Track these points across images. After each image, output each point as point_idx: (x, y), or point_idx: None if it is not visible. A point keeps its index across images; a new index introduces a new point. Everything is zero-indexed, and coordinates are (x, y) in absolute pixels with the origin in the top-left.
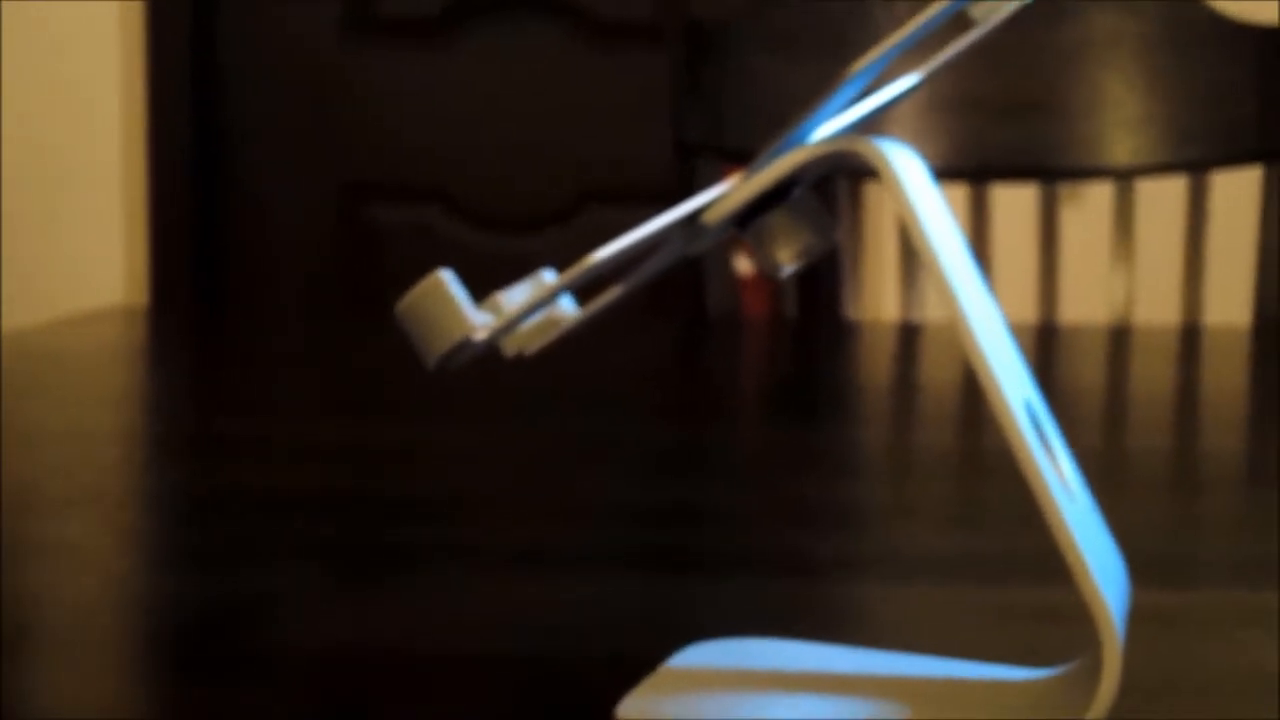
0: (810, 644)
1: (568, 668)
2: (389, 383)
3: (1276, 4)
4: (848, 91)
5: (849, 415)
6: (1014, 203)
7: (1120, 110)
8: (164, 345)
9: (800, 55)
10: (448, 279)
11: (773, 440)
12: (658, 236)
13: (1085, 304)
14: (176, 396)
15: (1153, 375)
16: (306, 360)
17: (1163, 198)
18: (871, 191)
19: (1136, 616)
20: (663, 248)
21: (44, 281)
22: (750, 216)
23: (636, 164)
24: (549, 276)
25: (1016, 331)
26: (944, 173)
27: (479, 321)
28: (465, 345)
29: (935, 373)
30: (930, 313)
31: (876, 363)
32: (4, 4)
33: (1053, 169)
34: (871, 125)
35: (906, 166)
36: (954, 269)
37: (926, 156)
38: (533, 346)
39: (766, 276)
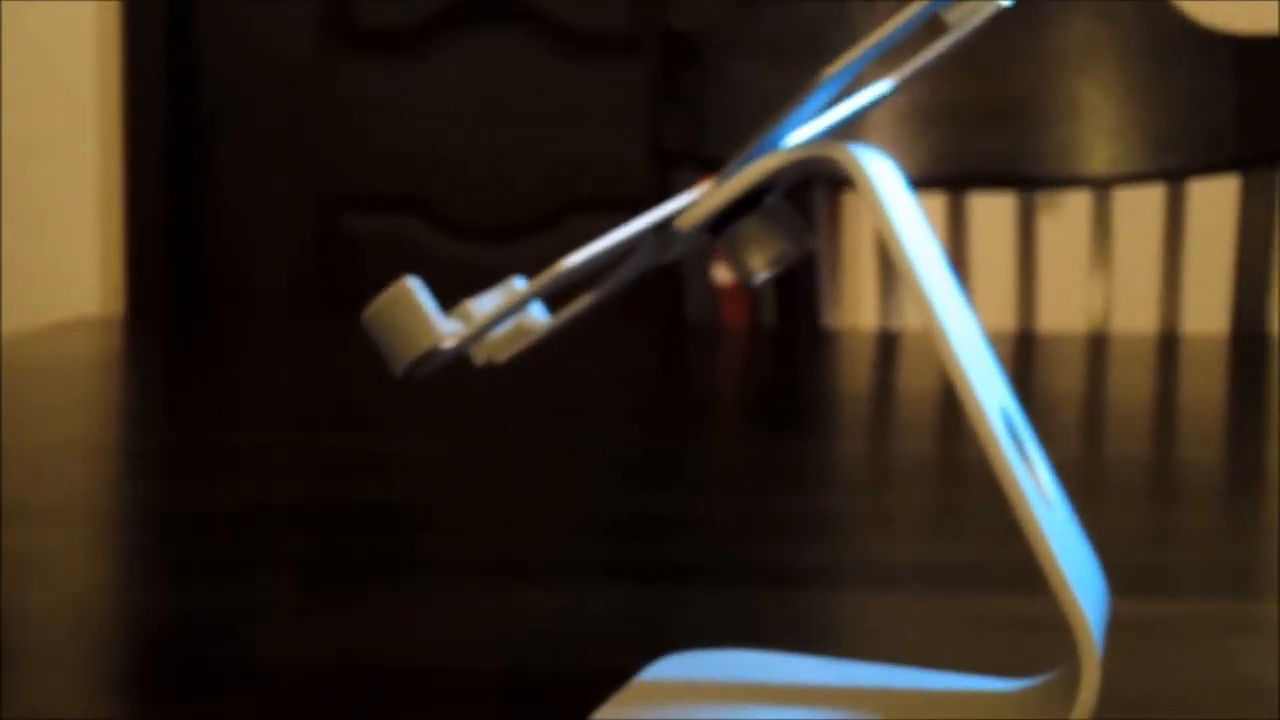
0: (785, 655)
1: (538, 682)
2: (365, 393)
3: (1253, 12)
4: (821, 96)
5: (827, 424)
6: (991, 211)
7: (1098, 118)
8: (139, 355)
9: (779, 61)
10: (414, 286)
11: (750, 449)
12: (629, 243)
13: (1063, 312)
14: (151, 407)
15: (1131, 384)
16: (282, 371)
17: (1141, 206)
18: (849, 198)
19: (1115, 626)
20: (635, 255)
21: (19, 291)
22: (723, 223)
23: (615, 173)
24: (519, 284)
25: (994, 340)
26: (921, 181)
27: (447, 330)
28: (433, 354)
29: (914, 381)
30: (909, 320)
31: (855, 371)
32: None
33: (1030, 177)
34: (848, 132)
35: (881, 172)
36: (929, 276)
37: (904, 165)
38: (502, 355)
39: (740, 284)
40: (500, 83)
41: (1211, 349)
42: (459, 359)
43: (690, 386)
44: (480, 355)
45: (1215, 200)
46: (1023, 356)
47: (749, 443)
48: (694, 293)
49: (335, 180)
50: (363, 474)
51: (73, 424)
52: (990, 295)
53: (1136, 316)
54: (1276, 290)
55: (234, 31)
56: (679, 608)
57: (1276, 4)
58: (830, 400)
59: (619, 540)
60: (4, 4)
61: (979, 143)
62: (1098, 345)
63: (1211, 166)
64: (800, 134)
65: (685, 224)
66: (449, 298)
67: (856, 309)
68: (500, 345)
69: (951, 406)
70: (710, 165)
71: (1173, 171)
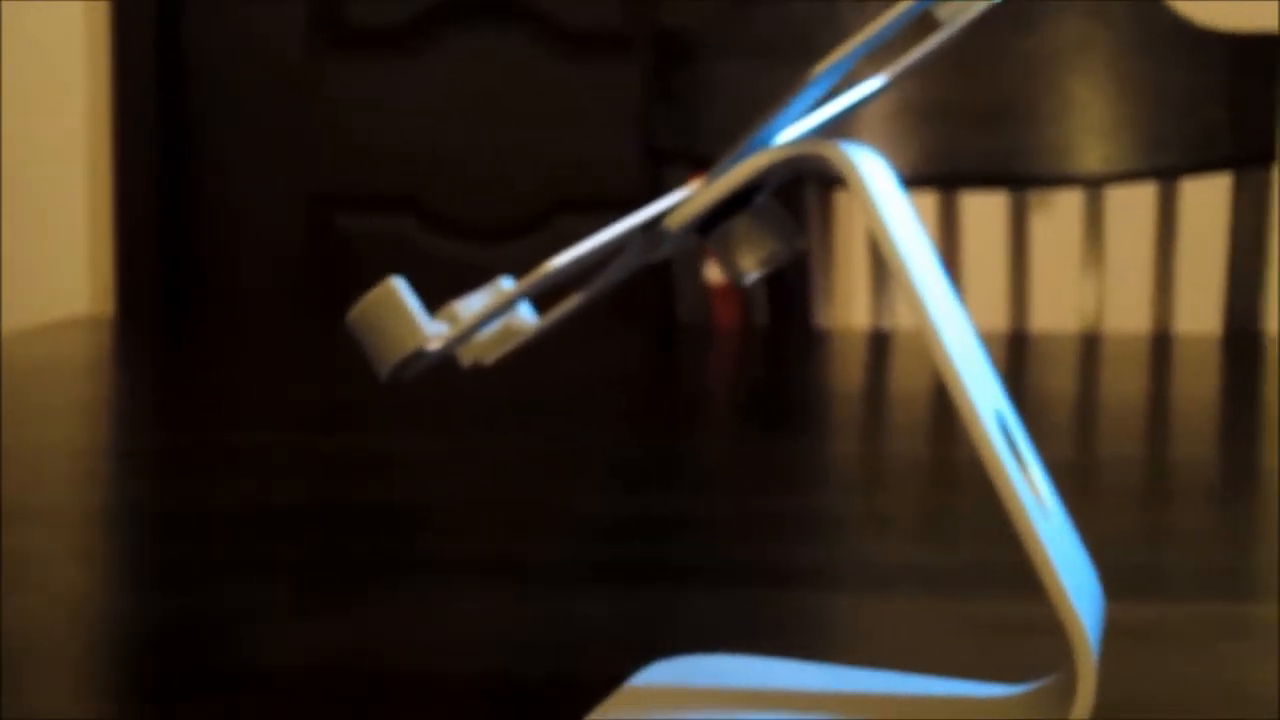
0: (776, 660)
1: (529, 686)
2: (358, 393)
3: (1246, 11)
4: (812, 93)
5: (819, 424)
6: (984, 210)
7: (1090, 117)
8: (130, 356)
9: (771, 61)
10: (399, 287)
11: (742, 450)
12: (617, 243)
13: (1056, 311)
14: (142, 408)
15: (1123, 383)
16: (274, 371)
17: (1133, 205)
18: (841, 197)
19: (1109, 629)
20: (624, 255)
21: (8, 291)
22: (713, 222)
23: (608, 172)
24: (507, 284)
25: (987, 339)
26: (914, 180)
27: (432, 331)
28: (418, 356)
29: (907, 381)
30: (901, 320)
31: (848, 371)
32: None
33: (1023, 176)
34: (840, 131)
35: (873, 170)
36: (921, 276)
37: (896, 164)
38: (490, 357)
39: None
40: (492, 81)
41: (1204, 348)
42: (446, 361)
43: (682, 387)
44: (467, 357)
45: (1208, 199)
46: (1015, 356)
47: (741, 443)
48: (686, 293)
49: (327, 179)
50: (356, 475)
51: (64, 425)
52: (982, 294)
53: (1129, 315)
54: (1269, 289)
55: (224, 30)
56: (671, 610)
57: (1270, 3)
58: (823, 400)
59: (612, 542)
60: None
61: (971, 141)
62: (1090, 344)
63: (1204, 165)
64: (791, 132)
65: (674, 223)
66: (442, 298)
67: (849, 308)
68: (488, 347)
69: (945, 406)
70: (702, 165)
71: (1165, 170)
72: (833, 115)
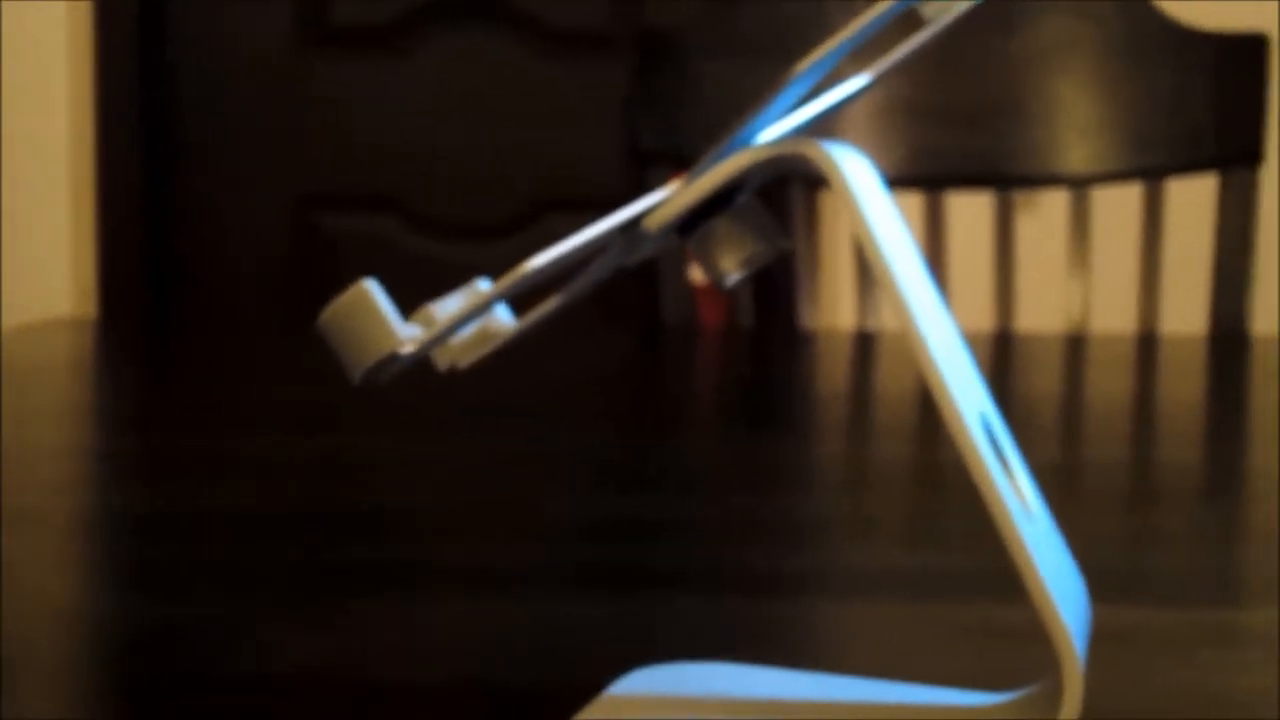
0: (759, 668)
1: (507, 694)
2: (340, 397)
3: (1232, 11)
4: (794, 92)
5: (805, 426)
6: (969, 210)
7: (1076, 117)
8: (113, 357)
9: (757, 61)
10: (372, 289)
11: (727, 453)
12: (597, 244)
13: (1041, 312)
14: (124, 410)
15: (1109, 384)
16: (257, 373)
17: (1119, 205)
18: (826, 197)
19: (1096, 635)
20: (604, 256)
21: None
22: (693, 223)
23: (594, 172)
24: (484, 285)
25: (972, 340)
26: (899, 180)
27: (406, 334)
28: (392, 360)
29: (892, 382)
30: (887, 321)
31: (833, 372)
32: None
33: (1008, 176)
34: (824, 131)
35: (856, 170)
36: (905, 277)
37: (881, 163)
38: (466, 360)
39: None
40: (477, 81)
41: (1190, 349)
42: (424, 364)
43: (667, 388)
44: (443, 360)
45: (1194, 199)
46: (1001, 357)
47: (726, 445)
48: (670, 293)
49: (312, 180)
50: (339, 479)
51: (46, 427)
52: (968, 295)
53: (1115, 316)
54: (1254, 290)
55: (208, 29)
56: (652, 616)
57: (1256, 3)
58: (808, 402)
59: (594, 546)
60: None
61: (957, 141)
62: (1076, 345)
63: (1190, 165)
64: (773, 131)
65: (653, 224)
66: (426, 299)
67: (834, 309)
68: (464, 350)
69: (931, 408)
70: (687, 165)
71: (1151, 170)
72: (816, 114)
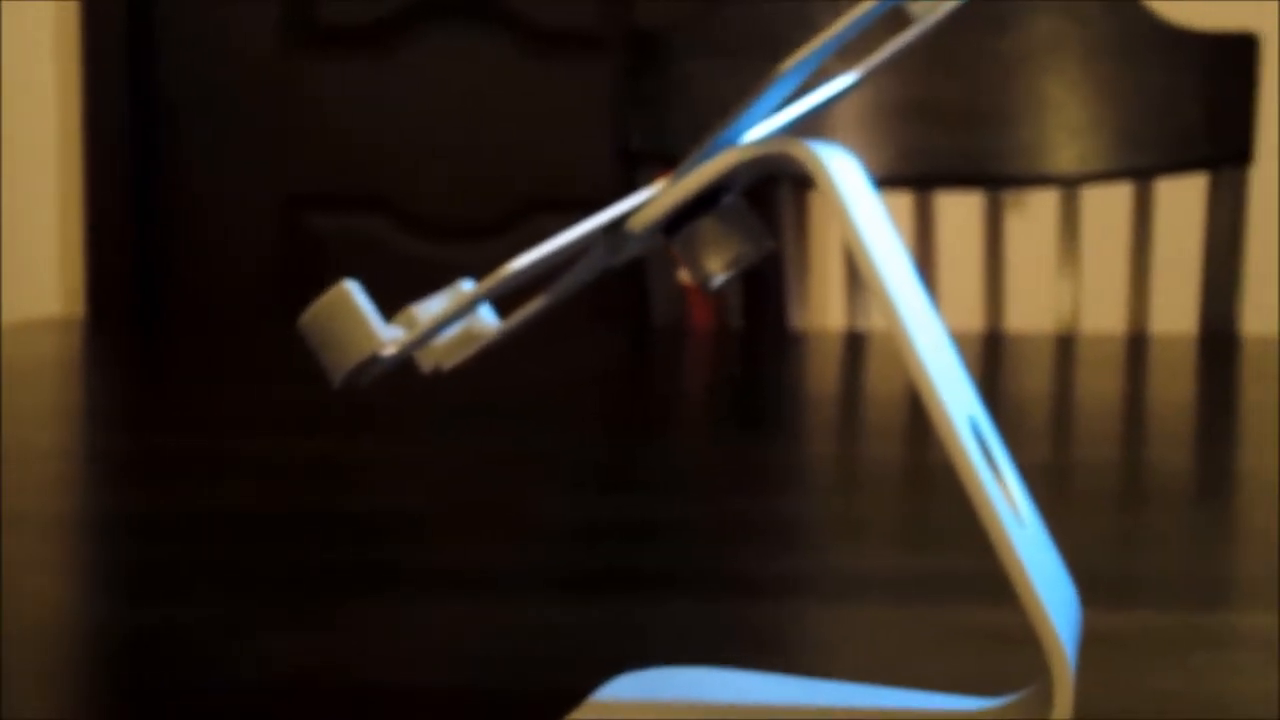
0: (748, 673)
1: (492, 701)
2: (327, 397)
3: (1222, 11)
4: (779, 90)
5: (794, 427)
6: (959, 210)
7: (1065, 117)
8: (101, 357)
9: (746, 61)
10: (353, 290)
11: (716, 454)
12: (581, 244)
13: (1031, 312)
14: (112, 411)
15: (1099, 385)
16: (247, 374)
17: (1108, 205)
18: (816, 197)
19: (1086, 639)
20: (588, 256)
21: None
22: (678, 223)
23: (583, 172)
24: (467, 286)
25: (961, 340)
26: (888, 180)
27: (387, 336)
28: (373, 362)
29: (882, 383)
30: (877, 321)
31: (823, 373)
32: None
33: (998, 176)
34: (813, 131)
35: (842, 170)
36: (892, 277)
37: (870, 163)
38: (450, 362)
39: (694, 287)
40: (466, 81)
41: (1180, 349)
42: (409, 366)
43: (656, 389)
44: (427, 362)
45: (1184, 199)
46: (990, 357)
47: (715, 446)
48: (660, 294)
49: (300, 179)
50: (326, 481)
51: (34, 427)
52: (957, 295)
53: (1104, 316)
54: (1244, 290)
55: (197, 28)
56: (642, 619)
57: (1246, 3)
58: (798, 403)
59: (582, 549)
60: None
61: (946, 141)
62: (1066, 345)
63: (1180, 165)
64: (759, 130)
65: (638, 225)
66: (415, 299)
67: (824, 310)
68: (448, 351)
69: (921, 409)
70: (674, 165)
71: (1141, 170)
72: (802, 113)
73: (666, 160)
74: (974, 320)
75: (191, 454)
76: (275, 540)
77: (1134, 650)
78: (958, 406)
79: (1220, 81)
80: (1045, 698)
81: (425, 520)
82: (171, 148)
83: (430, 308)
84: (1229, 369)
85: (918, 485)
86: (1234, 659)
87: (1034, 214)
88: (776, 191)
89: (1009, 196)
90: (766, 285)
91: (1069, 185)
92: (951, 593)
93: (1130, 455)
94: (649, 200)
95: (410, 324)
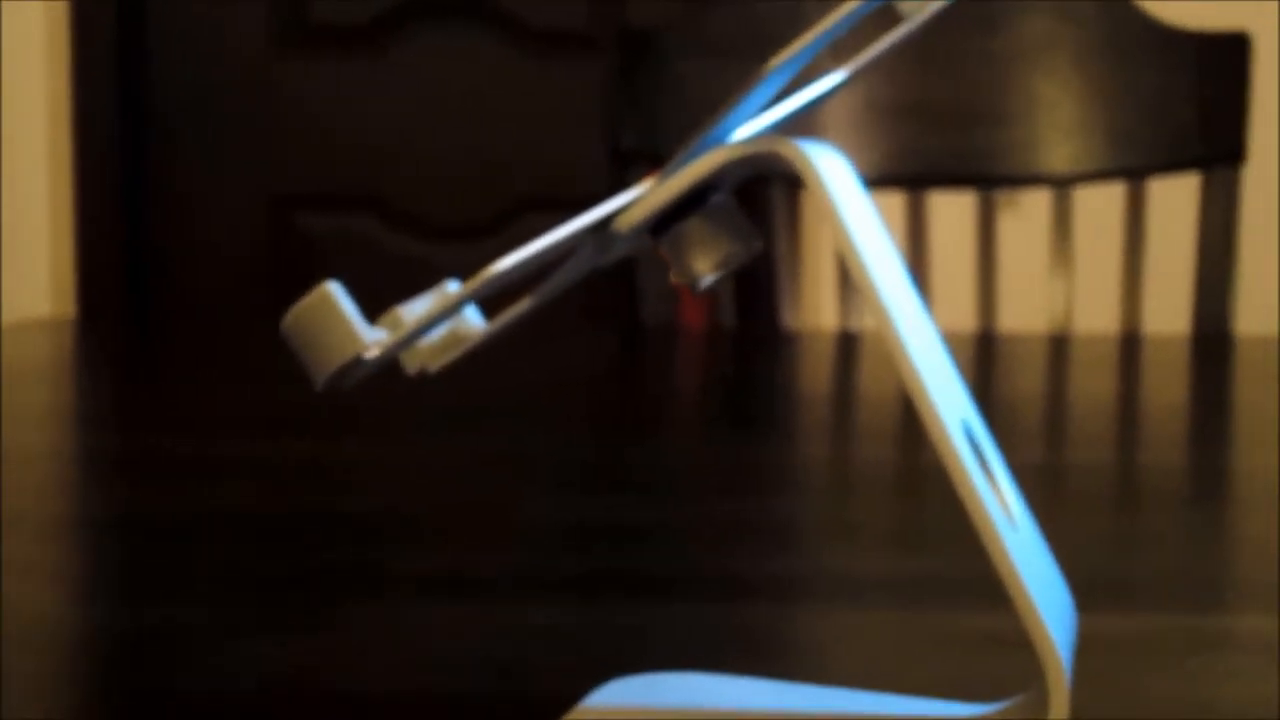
0: (739, 679)
1: (480, 707)
2: (318, 398)
3: (1214, 11)
4: (768, 89)
5: (787, 428)
6: (951, 210)
7: (1058, 117)
8: (92, 358)
9: (738, 61)
10: (335, 291)
11: (708, 455)
12: (565, 245)
13: (1024, 312)
14: (103, 412)
15: (1092, 385)
16: (237, 375)
17: (1101, 205)
18: (808, 196)
19: (1081, 643)
20: (575, 257)
21: None
22: (666, 223)
23: (574, 172)
24: (453, 287)
25: (954, 341)
26: (880, 180)
27: (371, 338)
28: (357, 364)
29: (875, 384)
30: (869, 321)
31: (815, 373)
32: None
33: (990, 176)
34: (804, 130)
35: (831, 168)
36: (882, 277)
37: (862, 163)
38: (436, 364)
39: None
40: (457, 81)
41: (1173, 350)
42: (385, 368)
43: (648, 391)
44: (412, 364)
45: (1177, 199)
46: (983, 358)
47: (707, 448)
48: (651, 294)
49: (291, 179)
50: (314, 483)
51: (24, 428)
52: (950, 295)
53: (1098, 316)
54: (1237, 290)
55: (187, 28)
56: (630, 624)
57: (1239, 3)
58: (791, 403)
59: (572, 552)
60: None
61: (938, 141)
62: (1059, 346)
63: (1172, 165)
64: (748, 129)
65: (625, 225)
66: (406, 299)
67: (816, 310)
68: (433, 353)
69: (914, 410)
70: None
71: (1134, 170)
72: (791, 111)
73: (658, 160)
74: (966, 320)
75: (183, 456)
76: (268, 542)
77: (1130, 654)
78: (950, 408)
79: (1213, 81)
80: (1040, 702)
81: (417, 522)
82: (162, 148)
83: (415, 309)
84: (1223, 369)
85: (911, 487)
86: (1231, 662)
87: (1027, 214)
88: (768, 191)
89: (1002, 196)
90: (759, 285)
91: (1062, 185)
92: (945, 596)
93: (1124, 456)
94: (636, 200)
95: (395, 325)
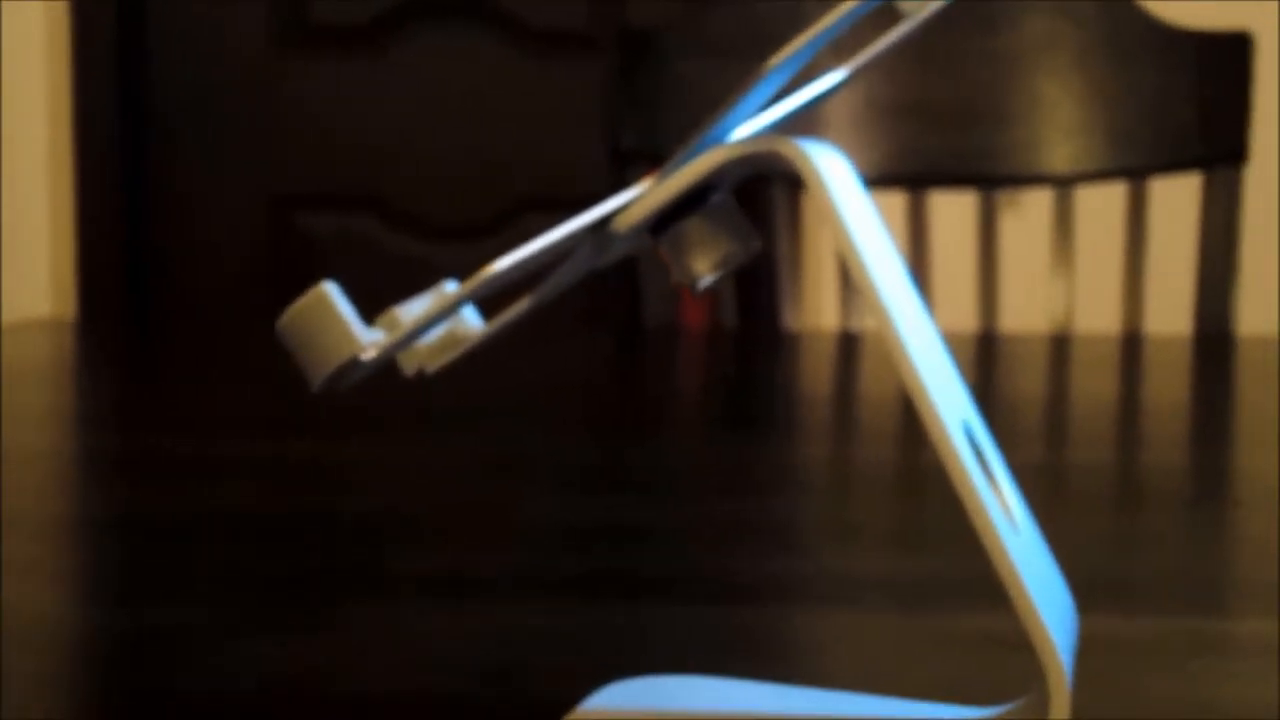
0: (738, 682)
1: (477, 710)
2: (319, 399)
3: (1215, 11)
4: (767, 88)
5: (787, 429)
6: (952, 210)
7: (1059, 117)
8: (92, 358)
9: (738, 60)
10: (331, 292)
11: (708, 456)
12: (565, 245)
13: (1025, 312)
14: (103, 412)
15: (1094, 385)
16: (237, 375)
17: (1103, 205)
18: (809, 196)
19: (1082, 645)
20: (574, 257)
21: None
22: (665, 223)
23: (574, 172)
24: (451, 287)
25: (955, 341)
26: (881, 179)
27: (367, 339)
28: (353, 365)
29: (876, 384)
30: (870, 322)
31: (817, 373)
32: None
33: (992, 176)
34: (805, 130)
35: (832, 168)
36: (881, 276)
37: (863, 162)
38: (434, 365)
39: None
40: (457, 81)
41: (1175, 350)
42: (383, 370)
43: (649, 391)
44: (409, 365)
45: (1178, 199)
46: (984, 358)
47: (709, 449)
48: (652, 294)
49: (291, 179)
50: (314, 483)
51: (24, 429)
52: (951, 295)
53: (1099, 316)
54: (1239, 290)
55: (187, 28)
56: (631, 626)
57: (1239, 3)
58: (792, 404)
59: (572, 553)
60: None
61: (939, 140)
62: (1060, 346)
63: (1174, 165)
64: (748, 128)
65: (623, 224)
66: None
67: (818, 310)
68: (431, 354)
69: (914, 410)
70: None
71: (1134, 170)
72: (791, 110)
73: (658, 160)
74: (967, 320)
75: (183, 456)
76: (268, 542)
77: (1130, 655)
78: (950, 409)
79: (1214, 81)
80: (1041, 703)
81: (417, 522)
82: (163, 147)
83: (412, 309)
84: (1224, 369)
85: (912, 487)
86: (1232, 664)
87: (1028, 214)
88: (769, 191)
89: (1003, 196)
90: (760, 285)
91: (1063, 185)
92: (946, 597)
93: (1125, 457)
94: (635, 200)
95: (392, 326)
